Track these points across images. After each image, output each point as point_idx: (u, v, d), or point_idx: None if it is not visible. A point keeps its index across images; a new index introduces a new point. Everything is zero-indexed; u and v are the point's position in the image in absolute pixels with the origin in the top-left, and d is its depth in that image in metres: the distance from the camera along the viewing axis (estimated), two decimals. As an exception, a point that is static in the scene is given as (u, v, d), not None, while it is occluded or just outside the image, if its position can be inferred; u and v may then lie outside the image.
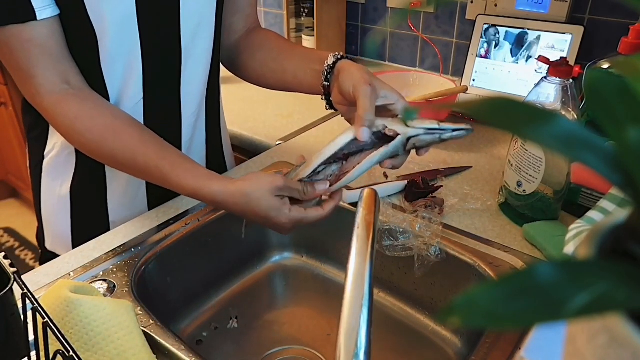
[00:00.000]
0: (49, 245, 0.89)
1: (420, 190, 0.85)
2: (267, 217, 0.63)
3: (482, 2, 1.29)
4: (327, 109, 0.76)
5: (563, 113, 0.72)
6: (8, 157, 2.49)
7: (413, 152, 0.65)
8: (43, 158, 0.83)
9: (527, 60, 1.21)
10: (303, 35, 1.57)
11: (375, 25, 1.57)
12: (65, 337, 0.43)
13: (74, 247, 0.83)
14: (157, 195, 0.86)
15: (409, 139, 0.62)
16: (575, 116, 0.73)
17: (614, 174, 0.22)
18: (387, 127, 0.61)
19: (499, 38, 1.23)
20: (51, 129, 0.81)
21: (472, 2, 1.32)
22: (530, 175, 0.75)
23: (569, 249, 0.65)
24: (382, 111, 0.65)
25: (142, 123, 0.78)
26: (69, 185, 0.82)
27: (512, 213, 0.80)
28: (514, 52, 1.22)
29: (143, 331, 0.59)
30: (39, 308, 0.45)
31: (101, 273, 0.70)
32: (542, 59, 0.75)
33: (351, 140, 0.62)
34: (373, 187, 0.83)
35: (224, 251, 0.87)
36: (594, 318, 0.21)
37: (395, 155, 0.64)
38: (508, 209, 0.81)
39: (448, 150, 1.03)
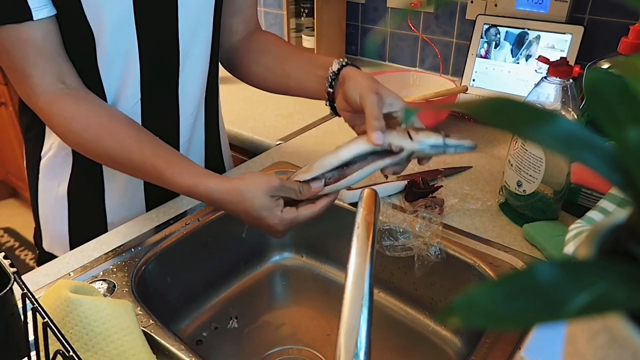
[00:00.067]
0: (46, 246, 0.89)
1: (420, 190, 0.85)
2: (259, 217, 0.63)
3: (482, 2, 1.29)
4: (331, 114, 0.76)
5: (563, 113, 0.72)
6: (8, 157, 2.49)
7: None
8: (40, 158, 0.83)
9: (527, 60, 1.21)
10: (303, 35, 1.57)
11: (375, 25, 1.57)
12: (65, 337, 0.43)
13: (71, 247, 0.83)
14: (155, 196, 0.86)
15: (412, 152, 0.62)
16: (575, 116, 0.73)
17: (614, 174, 0.22)
18: (392, 144, 0.61)
19: (499, 38, 1.23)
20: (48, 130, 0.80)
21: (472, 2, 1.32)
22: (530, 175, 0.75)
23: (569, 249, 0.65)
24: (387, 118, 0.66)
25: (140, 124, 0.78)
26: (66, 186, 0.82)
27: (512, 213, 0.80)
28: (514, 52, 1.22)
29: (143, 331, 0.59)
30: (39, 308, 0.45)
31: (101, 273, 0.70)
32: (542, 59, 0.75)
33: (368, 150, 0.62)
34: (373, 187, 0.83)
35: (224, 251, 0.87)
36: (594, 318, 0.21)
37: (396, 163, 0.64)
38: (508, 209, 0.81)
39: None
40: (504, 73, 1.24)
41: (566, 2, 1.16)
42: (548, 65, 0.73)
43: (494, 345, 0.59)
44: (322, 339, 0.81)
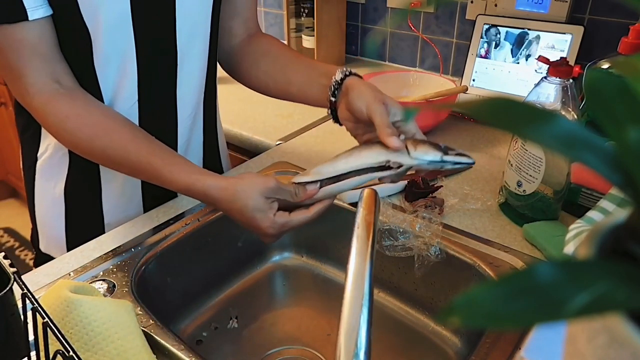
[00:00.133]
0: (43, 247, 0.89)
1: (420, 190, 0.85)
2: (252, 217, 0.63)
3: (482, 2, 1.29)
4: (333, 122, 0.76)
5: (563, 113, 0.72)
6: (8, 157, 2.49)
7: None
8: (36, 159, 0.83)
9: (527, 60, 1.21)
10: (303, 35, 1.57)
11: (375, 25, 1.57)
12: (65, 337, 0.43)
13: (68, 249, 0.82)
14: (153, 197, 0.86)
15: (410, 167, 0.63)
16: (575, 116, 0.73)
17: (614, 174, 0.22)
18: (390, 160, 0.62)
19: (499, 38, 1.23)
20: (44, 130, 0.80)
21: (472, 2, 1.32)
22: (530, 175, 0.75)
23: (569, 249, 0.65)
24: None
25: (137, 125, 0.78)
26: (63, 187, 0.82)
27: (512, 213, 0.80)
28: (514, 52, 1.22)
29: (143, 331, 0.59)
30: (39, 308, 0.45)
31: (101, 273, 0.70)
32: (542, 59, 0.75)
33: (366, 164, 0.62)
34: (373, 187, 0.83)
35: (224, 251, 0.87)
36: (594, 318, 0.21)
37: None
38: (508, 209, 0.81)
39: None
40: (504, 73, 1.24)
41: (566, 2, 1.16)
42: (548, 65, 0.73)
43: (494, 345, 0.59)
44: (322, 339, 0.81)
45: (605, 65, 0.80)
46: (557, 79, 0.72)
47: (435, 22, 1.43)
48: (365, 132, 0.69)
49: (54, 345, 0.44)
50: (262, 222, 0.63)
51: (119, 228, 0.80)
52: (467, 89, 1.12)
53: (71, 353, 0.42)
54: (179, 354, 0.59)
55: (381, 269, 0.84)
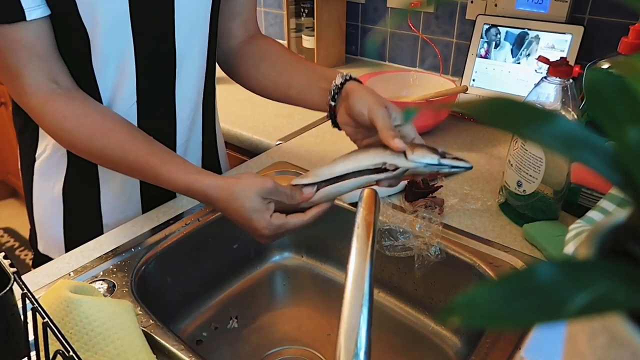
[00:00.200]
0: (41, 248, 0.88)
1: (420, 190, 0.85)
2: (249, 218, 0.63)
3: (482, 2, 1.29)
4: (332, 127, 0.76)
5: (563, 113, 0.72)
6: (8, 157, 2.49)
7: None
8: (35, 160, 0.83)
9: (527, 60, 1.21)
10: (303, 35, 1.57)
11: (375, 25, 1.57)
12: (65, 337, 0.43)
13: (66, 249, 0.82)
14: (152, 197, 0.85)
15: (407, 169, 0.63)
16: (575, 116, 0.73)
17: (614, 174, 0.22)
18: (386, 162, 0.62)
19: (499, 38, 1.23)
20: (42, 131, 0.80)
21: (472, 2, 1.32)
22: (530, 175, 0.75)
23: (569, 249, 0.65)
24: None
25: (136, 126, 0.78)
26: (61, 187, 0.82)
27: (512, 213, 0.80)
28: (514, 52, 1.22)
29: (143, 331, 0.59)
30: (39, 308, 0.45)
31: (101, 273, 0.70)
32: (542, 59, 0.75)
33: (363, 167, 0.62)
34: (373, 187, 0.83)
35: (224, 251, 0.87)
36: (594, 318, 0.21)
37: (391, 178, 0.64)
38: (508, 209, 0.81)
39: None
40: (504, 73, 1.24)
41: (566, 2, 1.16)
42: (548, 65, 0.73)
43: (494, 345, 0.59)
44: (322, 339, 0.81)
45: (605, 65, 0.80)
46: (557, 79, 0.72)
47: (435, 22, 1.43)
48: (365, 136, 0.69)
49: (54, 345, 0.44)
50: (259, 223, 0.63)
51: (118, 228, 0.80)
52: (467, 89, 1.12)
53: (71, 353, 0.42)
54: (179, 354, 0.59)
55: (381, 269, 0.84)
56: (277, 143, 1.10)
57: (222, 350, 0.80)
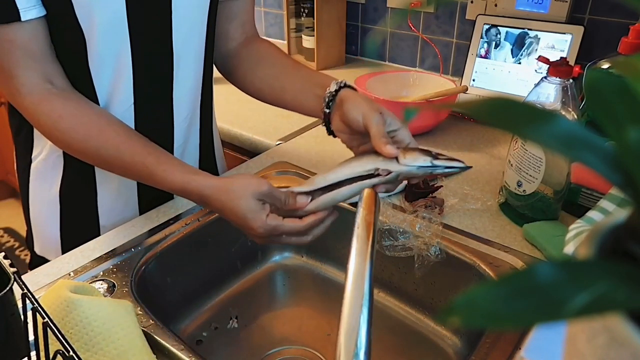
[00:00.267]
0: (38, 249, 0.88)
1: (420, 190, 0.85)
2: (244, 217, 0.63)
3: (482, 2, 1.29)
4: (328, 134, 0.75)
5: (563, 113, 0.72)
6: (8, 157, 2.49)
7: None
8: (31, 161, 0.82)
9: (527, 60, 1.21)
10: (303, 35, 1.57)
11: (375, 25, 1.57)
12: (65, 337, 0.43)
13: (63, 251, 0.82)
14: (149, 199, 0.85)
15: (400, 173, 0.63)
16: (575, 116, 0.73)
17: (614, 174, 0.22)
18: (379, 168, 0.62)
19: (499, 38, 1.23)
20: (37, 132, 0.79)
21: (472, 2, 1.32)
22: (530, 175, 0.75)
23: (569, 249, 0.65)
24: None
25: (133, 128, 0.78)
26: (58, 189, 0.81)
27: (512, 213, 0.80)
28: (514, 52, 1.22)
29: (143, 331, 0.59)
30: (39, 308, 0.45)
31: (101, 273, 0.70)
32: (542, 59, 0.75)
33: (356, 174, 0.62)
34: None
35: (224, 251, 0.87)
36: (594, 318, 0.21)
37: (386, 182, 0.64)
38: (508, 209, 0.81)
39: (448, 151, 1.03)
40: (504, 73, 1.24)
41: (566, 2, 1.16)
42: (548, 65, 0.73)
43: (494, 345, 0.59)
44: (322, 339, 0.81)
45: (605, 65, 0.80)
46: (557, 79, 0.72)
47: (435, 22, 1.43)
48: (360, 143, 0.69)
49: (54, 345, 0.44)
50: (254, 222, 0.63)
51: (118, 228, 0.80)
52: (467, 89, 1.12)
53: (71, 353, 0.42)
54: (179, 354, 0.59)
55: (381, 269, 0.84)
56: (277, 143, 1.10)
57: (222, 350, 0.80)
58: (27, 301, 0.46)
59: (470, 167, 0.64)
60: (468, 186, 0.90)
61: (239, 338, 0.82)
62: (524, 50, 1.21)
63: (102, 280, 0.69)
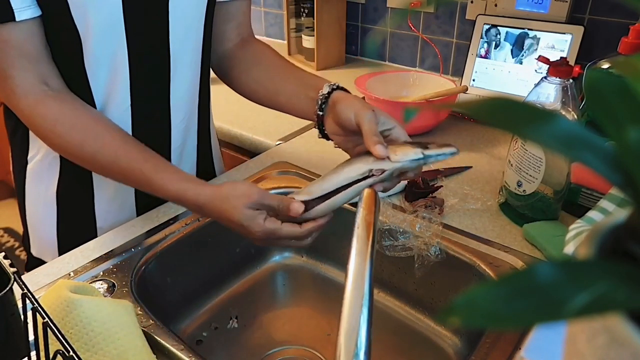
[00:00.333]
0: (34, 251, 0.88)
1: (420, 190, 0.85)
2: (241, 225, 0.63)
3: (482, 2, 1.29)
4: (319, 137, 0.75)
5: (563, 113, 0.72)
6: (8, 157, 2.49)
7: None
8: (27, 162, 0.82)
9: (527, 60, 1.21)
10: (303, 35, 1.57)
11: (375, 25, 1.57)
12: (65, 337, 0.43)
13: (60, 253, 0.82)
14: (146, 201, 0.85)
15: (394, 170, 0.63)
16: (575, 116, 0.73)
17: (614, 174, 0.22)
18: (372, 169, 0.62)
19: (499, 38, 1.23)
20: (32, 133, 0.79)
21: (472, 2, 1.32)
22: (530, 175, 0.75)
23: (569, 249, 0.65)
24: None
25: (130, 130, 0.78)
26: (55, 190, 0.81)
27: (512, 213, 0.80)
28: (514, 52, 1.22)
29: (143, 331, 0.59)
30: (39, 308, 0.45)
31: (101, 273, 0.70)
32: (542, 59, 0.75)
33: (351, 179, 0.62)
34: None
35: (224, 251, 0.87)
36: (594, 318, 0.21)
37: (382, 181, 0.64)
38: (508, 209, 0.81)
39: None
40: (504, 73, 1.24)
41: (566, 2, 1.16)
42: (548, 65, 0.73)
43: (494, 345, 0.59)
44: (322, 339, 0.81)
45: (605, 65, 0.80)
46: (557, 79, 0.72)
47: (435, 22, 1.43)
48: (355, 144, 0.69)
49: (54, 345, 0.44)
50: (252, 228, 0.63)
51: (119, 228, 0.80)
52: (467, 89, 1.12)
53: (71, 353, 0.42)
54: (179, 354, 0.59)
55: (381, 269, 0.84)
56: (277, 143, 1.10)
57: (222, 350, 0.80)
58: (27, 301, 0.46)
59: (458, 152, 0.64)
60: (468, 186, 0.90)
61: (239, 338, 0.82)
62: (524, 51, 1.21)
63: (102, 280, 0.69)
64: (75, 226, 0.84)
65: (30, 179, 0.83)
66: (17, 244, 2.44)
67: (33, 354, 0.48)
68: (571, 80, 0.72)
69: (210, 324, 0.83)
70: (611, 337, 0.21)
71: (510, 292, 0.19)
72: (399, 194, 0.87)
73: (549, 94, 0.73)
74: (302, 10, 1.57)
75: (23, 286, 0.46)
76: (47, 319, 0.44)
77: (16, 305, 0.46)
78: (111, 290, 0.68)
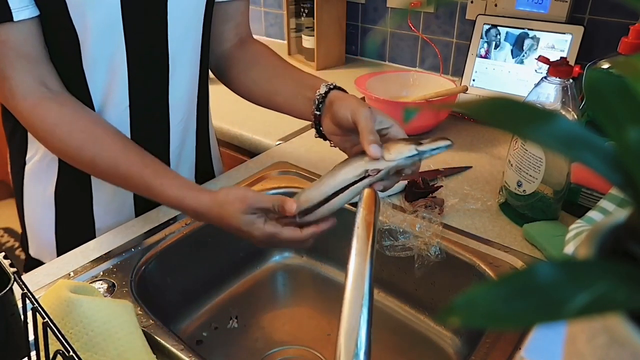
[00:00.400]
0: (33, 252, 0.88)
1: (420, 190, 0.85)
2: (241, 230, 0.63)
3: (482, 2, 1.29)
4: (315, 137, 0.75)
5: (563, 113, 0.72)
6: (7, 157, 2.49)
7: None
8: (25, 163, 0.81)
9: (527, 60, 1.21)
10: (303, 35, 1.57)
11: (375, 25, 1.57)
12: (65, 337, 0.43)
13: (58, 254, 0.81)
14: (145, 202, 0.84)
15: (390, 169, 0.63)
16: (575, 116, 0.73)
17: (614, 174, 0.22)
18: (368, 169, 0.62)
19: (499, 38, 1.23)
20: (31, 135, 0.79)
21: (472, 2, 1.32)
22: (530, 175, 0.75)
23: (569, 249, 0.65)
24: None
25: (129, 131, 0.77)
26: (53, 191, 0.81)
27: (512, 213, 0.80)
28: (514, 52, 1.22)
29: (143, 331, 0.59)
30: (39, 308, 0.45)
31: (101, 273, 0.70)
32: (542, 59, 0.75)
33: (348, 181, 0.62)
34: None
35: (224, 251, 0.87)
36: (594, 318, 0.21)
37: (380, 179, 0.64)
38: (508, 209, 0.81)
39: (448, 151, 1.03)
40: (504, 73, 1.24)
41: (566, 2, 1.16)
42: (548, 65, 0.73)
43: (494, 345, 0.59)
44: (322, 339, 0.81)
45: (605, 65, 0.80)
46: (557, 79, 0.72)
47: (435, 22, 1.43)
48: (353, 144, 0.69)
49: (54, 345, 0.44)
50: (251, 233, 0.63)
51: (118, 228, 0.80)
52: (467, 89, 1.12)
53: (71, 353, 0.42)
54: (179, 354, 0.59)
55: (381, 269, 0.84)
56: (277, 143, 1.10)
57: (222, 350, 0.80)
58: (27, 301, 0.46)
59: (453, 144, 0.64)
60: (468, 186, 0.90)
61: (239, 338, 0.82)
62: (524, 51, 1.21)
63: (102, 280, 0.69)
64: (73, 227, 0.84)
65: (28, 180, 0.83)
66: (17, 244, 2.44)
67: (33, 354, 0.48)
68: (571, 80, 0.72)
69: (210, 324, 0.83)
70: (611, 337, 0.21)
71: (510, 292, 0.19)
72: (399, 194, 0.87)
73: (549, 94, 0.73)
74: (302, 10, 1.57)
75: (23, 286, 0.46)
76: (47, 319, 0.44)
77: (16, 305, 0.46)
78: (111, 290, 0.68)
